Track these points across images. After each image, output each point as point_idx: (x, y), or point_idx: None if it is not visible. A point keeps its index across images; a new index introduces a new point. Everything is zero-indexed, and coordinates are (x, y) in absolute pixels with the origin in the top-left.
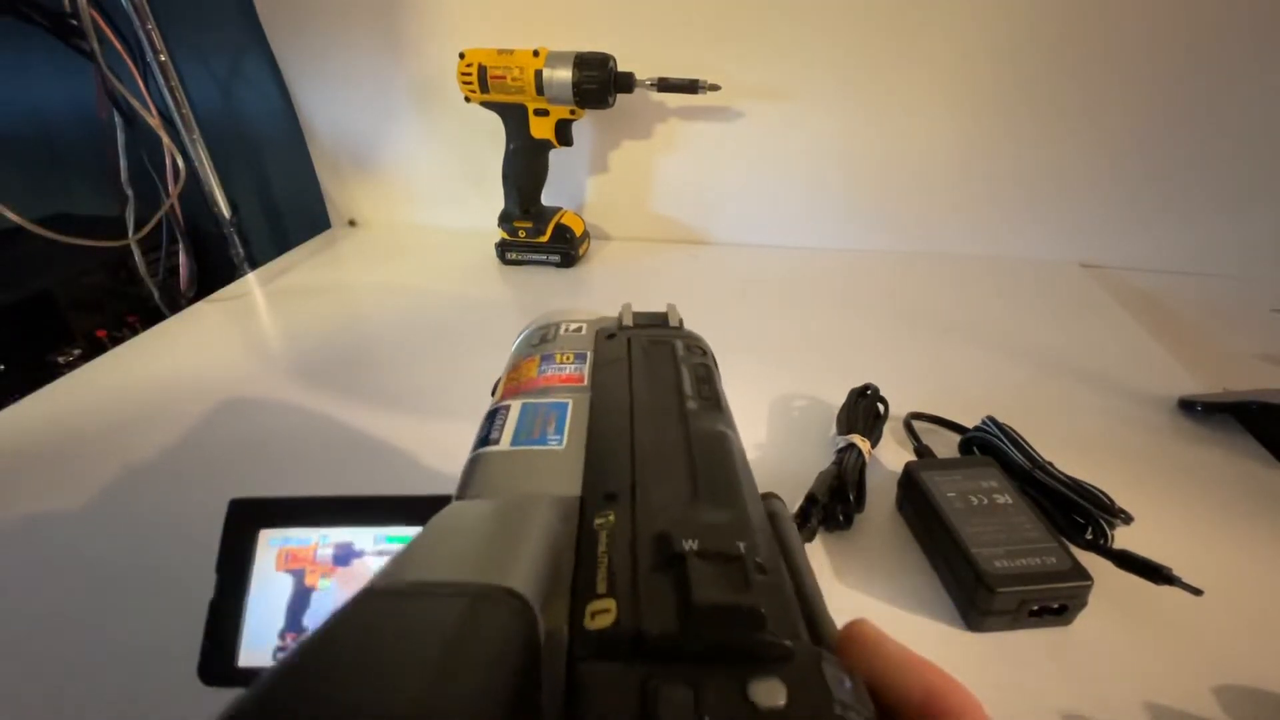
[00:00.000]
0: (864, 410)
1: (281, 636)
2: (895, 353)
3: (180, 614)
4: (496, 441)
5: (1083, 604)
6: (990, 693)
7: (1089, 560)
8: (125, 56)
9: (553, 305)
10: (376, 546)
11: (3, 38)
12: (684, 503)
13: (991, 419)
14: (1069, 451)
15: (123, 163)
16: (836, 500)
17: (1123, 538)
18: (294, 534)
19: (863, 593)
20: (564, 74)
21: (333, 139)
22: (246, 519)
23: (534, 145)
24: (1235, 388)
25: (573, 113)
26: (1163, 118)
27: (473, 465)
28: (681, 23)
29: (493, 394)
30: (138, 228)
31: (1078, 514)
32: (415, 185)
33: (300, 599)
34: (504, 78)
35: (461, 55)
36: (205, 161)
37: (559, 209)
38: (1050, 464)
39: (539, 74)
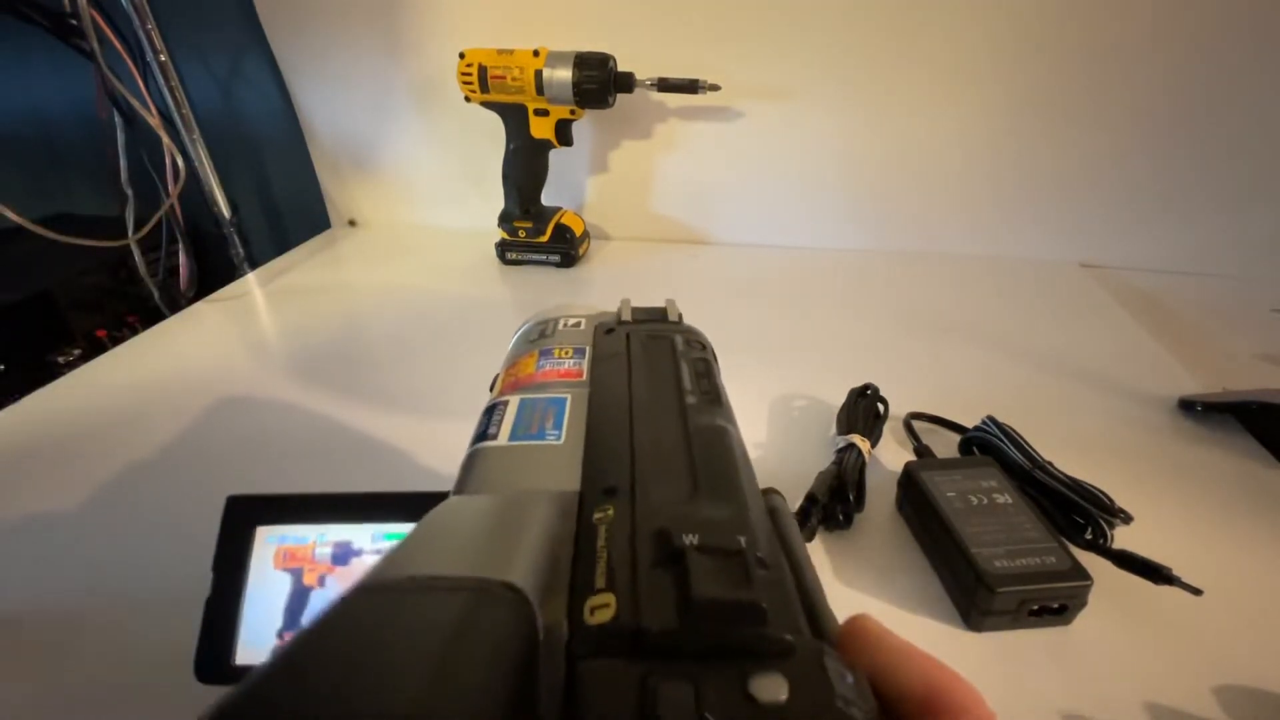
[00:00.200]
0: (864, 410)
1: (280, 635)
2: (895, 353)
3: (180, 613)
4: (495, 436)
5: (1083, 604)
6: (990, 692)
7: (1089, 560)
8: (125, 56)
9: (552, 304)
10: (375, 545)
11: (3, 38)
12: (684, 498)
13: (991, 419)
14: (1069, 451)
15: (123, 163)
16: (836, 500)
17: (1122, 538)
18: (292, 531)
19: (863, 592)
20: (564, 74)
21: (333, 139)
22: (243, 516)
23: (534, 145)
24: (1235, 388)
25: (573, 113)
26: (1163, 118)
27: (471, 460)
28: (681, 23)
29: (491, 389)
30: (138, 228)
31: (1077, 514)
32: (415, 185)
33: (299, 598)
34: (504, 78)
35: (461, 55)
36: (205, 161)
37: (559, 209)
38: (1050, 464)
39: (539, 74)
